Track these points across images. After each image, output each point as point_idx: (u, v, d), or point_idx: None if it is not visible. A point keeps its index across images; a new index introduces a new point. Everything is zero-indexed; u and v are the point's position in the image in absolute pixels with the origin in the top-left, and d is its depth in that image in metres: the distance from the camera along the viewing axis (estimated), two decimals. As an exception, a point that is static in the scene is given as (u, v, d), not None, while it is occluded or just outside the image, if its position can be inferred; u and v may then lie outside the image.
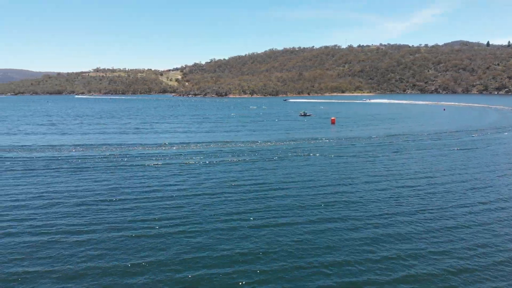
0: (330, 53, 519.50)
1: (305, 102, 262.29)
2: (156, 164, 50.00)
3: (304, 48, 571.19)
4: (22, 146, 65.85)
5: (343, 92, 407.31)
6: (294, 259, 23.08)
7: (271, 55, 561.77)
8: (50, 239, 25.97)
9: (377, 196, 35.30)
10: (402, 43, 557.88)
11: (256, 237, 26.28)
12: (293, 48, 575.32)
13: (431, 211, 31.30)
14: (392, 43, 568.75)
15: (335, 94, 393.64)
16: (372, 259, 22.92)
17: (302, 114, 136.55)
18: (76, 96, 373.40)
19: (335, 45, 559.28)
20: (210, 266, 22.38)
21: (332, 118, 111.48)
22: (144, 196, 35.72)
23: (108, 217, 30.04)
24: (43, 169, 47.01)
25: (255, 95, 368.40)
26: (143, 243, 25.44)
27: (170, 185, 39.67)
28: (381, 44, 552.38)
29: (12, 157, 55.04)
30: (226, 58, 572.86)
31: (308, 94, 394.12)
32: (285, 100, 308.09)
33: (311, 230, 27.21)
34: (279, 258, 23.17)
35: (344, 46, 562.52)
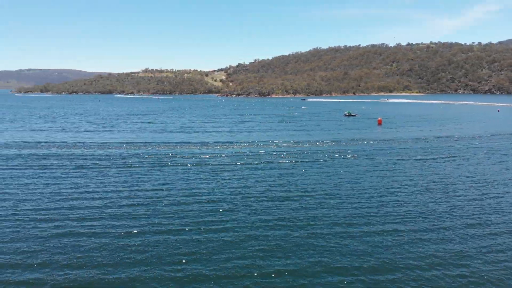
0: (377, 52, 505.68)
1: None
2: (200, 164, 50.62)
3: (349, 46, 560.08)
4: (75, 143, 69.13)
5: (390, 91, 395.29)
6: (356, 271, 22.35)
7: (316, 54, 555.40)
8: (101, 241, 26.68)
9: (430, 207, 33.07)
10: (453, 41, 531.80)
11: (304, 249, 25.72)
12: (338, 46, 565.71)
13: (497, 225, 28.37)
14: (443, 41, 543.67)
15: (382, 93, 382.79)
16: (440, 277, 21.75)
17: (347, 114, 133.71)
18: (116, 96, 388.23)
19: (383, 44, 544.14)
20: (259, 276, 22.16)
21: (379, 118, 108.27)
22: (189, 196, 35.87)
23: (154, 217, 30.48)
24: (94, 167, 49.01)
25: (298, 95, 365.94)
26: (186, 244, 25.61)
27: (214, 185, 39.84)
28: (431, 42, 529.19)
29: (64, 154, 57.86)
30: (270, 58, 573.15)
31: (354, 93, 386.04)
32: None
33: (359, 242, 25.82)
34: (336, 271, 22.54)
35: (392, 44, 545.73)
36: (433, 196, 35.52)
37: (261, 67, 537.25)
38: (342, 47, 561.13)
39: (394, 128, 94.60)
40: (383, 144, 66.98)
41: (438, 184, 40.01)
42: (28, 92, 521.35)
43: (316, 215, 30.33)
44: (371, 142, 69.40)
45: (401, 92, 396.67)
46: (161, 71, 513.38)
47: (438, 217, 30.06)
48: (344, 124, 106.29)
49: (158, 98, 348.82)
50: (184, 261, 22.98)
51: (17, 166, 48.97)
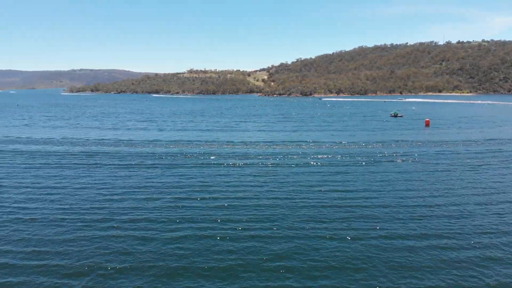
0: (426, 50, 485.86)
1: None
2: (242, 165, 51.00)
3: (396, 45, 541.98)
4: (124, 140, 71.95)
5: (439, 91, 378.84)
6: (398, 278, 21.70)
7: (360, 52, 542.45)
8: (144, 236, 27.52)
9: (483, 211, 31.68)
10: (507, 39, 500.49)
11: (345, 250, 25.27)
12: (385, 45, 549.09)
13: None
14: (495, 39, 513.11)
15: (430, 93, 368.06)
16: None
17: (393, 115, 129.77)
18: (162, 96, 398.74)
19: (431, 42, 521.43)
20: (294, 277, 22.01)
21: (427, 119, 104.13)
22: (231, 196, 36.24)
23: (195, 215, 30.98)
24: (140, 166, 50.73)
25: (341, 94, 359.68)
26: (227, 245, 25.82)
27: (254, 185, 39.96)
28: (483, 40, 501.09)
29: (113, 152, 60.30)
30: (313, 57, 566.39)
31: (400, 93, 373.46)
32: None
33: (405, 247, 25.05)
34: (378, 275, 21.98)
35: (441, 42, 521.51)
36: (492, 209, 32.98)
37: (303, 66, 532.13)
38: (389, 45, 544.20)
39: (443, 129, 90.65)
40: (432, 146, 64.34)
41: (495, 193, 37.70)
42: (79, 91, 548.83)
43: (365, 226, 29.22)
44: (419, 144, 66.92)
45: (450, 92, 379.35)
46: (205, 72, 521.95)
47: (500, 232, 27.76)
48: (390, 124, 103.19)
49: (201, 98, 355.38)
50: (232, 271, 23.20)
51: (67, 164, 51.66)
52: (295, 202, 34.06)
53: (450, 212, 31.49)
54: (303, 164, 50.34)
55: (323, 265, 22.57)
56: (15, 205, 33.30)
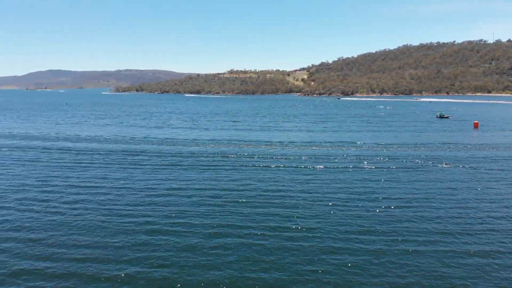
0: (474, 49, 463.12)
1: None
2: (280, 166, 50.92)
3: (443, 43, 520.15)
4: (167, 139, 73.92)
5: (489, 92, 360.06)
6: None
7: (405, 51, 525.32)
8: (186, 242, 28.03)
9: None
10: None
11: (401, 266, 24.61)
12: (431, 43, 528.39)
13: None
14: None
15: (479, 94, 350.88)
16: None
17: (439, 116, 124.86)
18: (195, 95, 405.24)
19: (480, 40, 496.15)
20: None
21: (475, 121, 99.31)
22: (270, 201, 35.85)
23: (235, 221, 30.86)
24: (182, 165, 51.87)
25: (384, 94, 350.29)
26: (265, 251, 25.83)
27: (294, 190, 39.63)
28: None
29: (155, 150, 62.13)
30: (355, 56, 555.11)
31: (447, 93, 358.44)
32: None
33: (463, 266, 23.58)
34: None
35: (490, 40, 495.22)
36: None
37: (345, 65, 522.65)
38: (435, 44, 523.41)
39: (493, 132, 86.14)
40: (481, 150, 61.30)
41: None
42: (125, 91, 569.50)
43: (407, 229, 28.51)
44: (467, 147, 63.96)
45: (500, 93, 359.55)
46: (245, 72, 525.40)
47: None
48: (435, 126, 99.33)
49: (242, 97, 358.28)
50: (265, 268, 23.22)
51: (111, 162, 53.75)
52: (337, 209, 33.23)
53: (506, 226, 29.67)
54: (344, 167, 49.43)
55: (388, 280, 22.06)
56: (62, 204, 34.62)
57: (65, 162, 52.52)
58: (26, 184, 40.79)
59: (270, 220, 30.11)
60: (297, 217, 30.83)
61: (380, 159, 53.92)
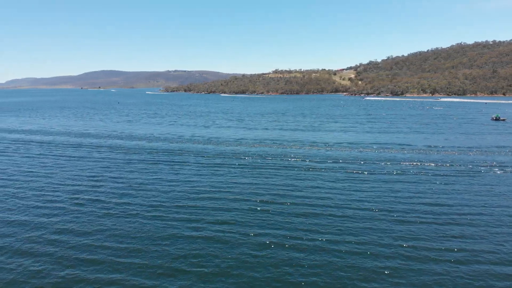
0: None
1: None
2: (325, 168, 50.37)
3: (499, 41, 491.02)
4: (213, 138, 75.42)
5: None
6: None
7: (459, 50, 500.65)
8: (227, 239, 28.54)
9: None
10: None
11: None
12: (486, 41, 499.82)
13: None
14: None
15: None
16: None
17: (494, 118, 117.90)
18: (240, 95, 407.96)
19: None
20: None
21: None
22: (313, 203, 35.76)
23: (277, 221, 31.10)
24: (227, 166, 52.72)
25: (436, 94, 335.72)
26: (312, 257, 25.77)
27: (339, 193, 39.08)
28: None
29: (200, 149, 63.56)
30: (405, 54, 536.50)
31: (504, 94, 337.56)
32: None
33: None
34: None
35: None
36: None
37: (394, 64, 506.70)
38: (491, 42, 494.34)
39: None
40: (541, 154, 57.35)
41: None
42: (173, 91, 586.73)
43: (470, 247, 27.28)
44: (525, 151, 60.08)
45: None
46: (289, 72, 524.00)
47: None
48: (490, 129, 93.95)
49: (285, 97, 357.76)
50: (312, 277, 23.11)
51: (159, 160, 55.67)
52: (384, 216, 32.38)
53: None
54: (392, 171, 48.06)
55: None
56: (110, 200, 36.39)
57: (115, 160, 55.08)
58: (78, 180, 43.20)
59: (316, 225, 29.88)
60: (344, 222, 30.44)
61: (430, 163, 51.92)
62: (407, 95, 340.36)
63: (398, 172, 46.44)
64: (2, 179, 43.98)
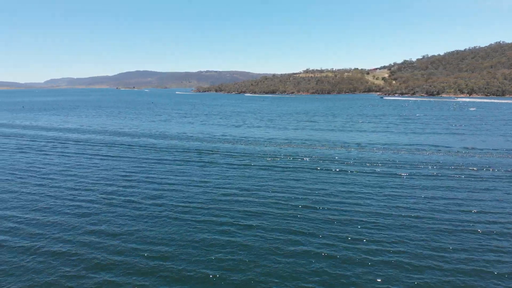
0: None
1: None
2: (357, 171, 49.17)
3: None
4: (245, 137, 75.46)
5: None
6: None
7: (497, 49, 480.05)
8: (263, 246, 28.21)
9: None
10: None
11: None
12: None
13: None
14: None
15: None
16: None
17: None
18: (270, 95, 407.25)
19: None
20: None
21: None
22: (348, 209, 34.68)
23: (309, 228, 30.38)
24: (254, 166, 52.42)
25: (474, 95, 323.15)
26: (342, 267, 25.08)
27: (373, 198, 37.96)
28: None
29: (230, 150, 63.61)
30: (441, 53, 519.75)
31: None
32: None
33: None
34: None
35: None
36: None
37: (430, 63, 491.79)
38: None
39: None
40: None
41: None
42: (205, 91, 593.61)
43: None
44: None
45: None
46: (321, 71, 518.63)
47: None
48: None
49: (316, 97, 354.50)
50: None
51: (191, 160, 56.06)
52: (422, 223, 31.07)
53: None
54: (427, 174, 46.25)
55: None
56: (142, 200, 36.68)
57: (148, 159, 55.93)
58: (111, 180, 44.06)
59: (346, 231, 28.97)
60: (379, 229, 29.49)
61: (467, 166, 49.70)
62: (443, 95, 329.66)
63: (435, 176, 44.67)
64: (39, 177, 45.46)
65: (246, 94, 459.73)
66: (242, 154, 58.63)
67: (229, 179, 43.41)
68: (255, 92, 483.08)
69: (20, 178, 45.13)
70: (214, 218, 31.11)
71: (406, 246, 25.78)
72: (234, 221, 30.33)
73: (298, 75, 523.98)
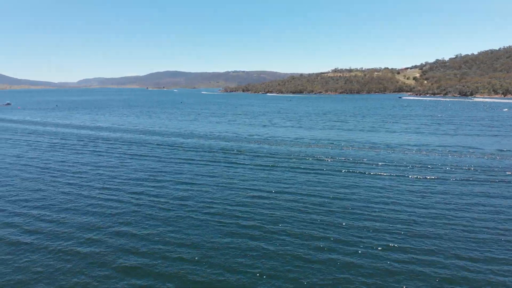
0: None
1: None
2: (383, 174, 47.79)
3: None
4: (271, 137, 75.01)
5: None
6: None
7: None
8: (288, 252, 27.75)
9: None
10: None
11: None
12: None
13: None
14: None
15: None
16: None
17: None
18: (297, 95, 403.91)
19: None
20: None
21: None
22: (376, 214, 34.01)
23: (337, 233, 29.80)
24: (280, 167, 51.88)
25: (509, 95, 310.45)
26: (372, 275, 24.31)
27: (397, 201, 36.77)
28: None
29: (256, 150, 63.29)
30: (475, 53, 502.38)
31: None
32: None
33: None
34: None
35: None
36: None
37: (463, 63, 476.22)
38: None
39: None
40: None
41: None
42: (232, 91, 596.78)
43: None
44: None
45: None
46: (350, 71, 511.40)
47: None
48: None
49: (345, 97, 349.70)
50: None
51: (217, 159, 56.09)
52: (457, 230, 29.76)
53: None
54: (460, 179, 44.32)
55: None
56: (169, 201, 36.65)
57: (176, 158, 56.38)
58: (140, 179, 44.50)
59: (377, 238, 27.97)
60: (411, 238, 28.41)
61: (503, 170, 47.44)
62: (477, 95, 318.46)
63: (469, 180, 42.77)
64: (69, 176, 46.50)
65: (272, 94, 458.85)
66: (268, 155, 58.19)
67: (256, 181, 43.04)
68: (282, 92, 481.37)
69: (52, 176, 46.31)
70: (241, 222, 30.74)
71: (440, 256, 24.67)
72: (260, 225, 29.80)
73: (326, 74, 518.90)
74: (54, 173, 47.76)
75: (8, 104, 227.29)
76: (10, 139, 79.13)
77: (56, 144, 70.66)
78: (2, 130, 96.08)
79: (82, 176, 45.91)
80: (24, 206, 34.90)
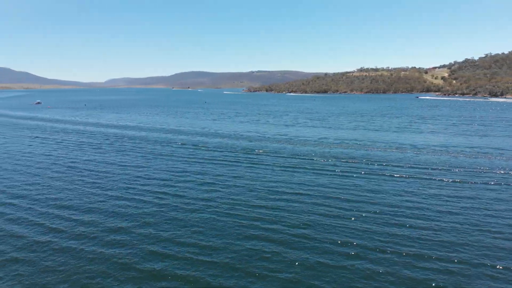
0: None
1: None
2: (408, 176, 46.39)
3: None
4: (295, 137, 74.31)
5: None
6: None
7: None
8: (310, 259, 27.25)
9: None
10: None
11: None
12: None
13: None
14: None
15: None
16: None
17: None
18: (321, 95, 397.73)
19: None
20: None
21: None
22: (400, 218, 33.15)
23: (362, 237, 29.14)
24: (303, 169, 51.21)
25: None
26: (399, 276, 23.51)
27: (423, 205, 35.43)
28: None
29: (279, 149, 62.74)
30: (506, 52, 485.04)
31: None
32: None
33: None
34: None
35: None
36: None
37: (493, 62, 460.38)
38: None
39: None
40: None
41: None
42: (255, 90, 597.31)
43: None
44: None
45: None
46: (376, 70, 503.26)
47: None
48: None
49: (370, 97, 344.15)
50: None
51: (240, 159, 55.90)
52: (486, 237, 28.67)
53: None
54: (488, 182, 42.54)
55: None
56: (191, 201, 36.71)
57: (199, 158, 56.52)
58: (163, 179, 44.74)
59: (405, 245, 27.00)
60: (442, 247, 27.37)
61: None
62: (508, 95, 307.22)
63: (501, 184, 41.03)
64: (95, 175, 47.24)
65: (296, 94, 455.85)
66: (291, 156, 57.52)
67: (279, 182, 42.49)
68: (306, 92, 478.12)
69: (78, 175, 47.14)
70: (264, 225, 30.33)
71: (473, 269, 23.60)
72: (284, 230, 29.23)
73: (351, 74, 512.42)
74: (81, 172, 48.64)
75: (39, 103, 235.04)
76: (38, 137, 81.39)
77: (83, 143, 72.13)
78: (32, 128, 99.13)
79: (107, 175, 46.56)
80: (50, 205, 35.57)
